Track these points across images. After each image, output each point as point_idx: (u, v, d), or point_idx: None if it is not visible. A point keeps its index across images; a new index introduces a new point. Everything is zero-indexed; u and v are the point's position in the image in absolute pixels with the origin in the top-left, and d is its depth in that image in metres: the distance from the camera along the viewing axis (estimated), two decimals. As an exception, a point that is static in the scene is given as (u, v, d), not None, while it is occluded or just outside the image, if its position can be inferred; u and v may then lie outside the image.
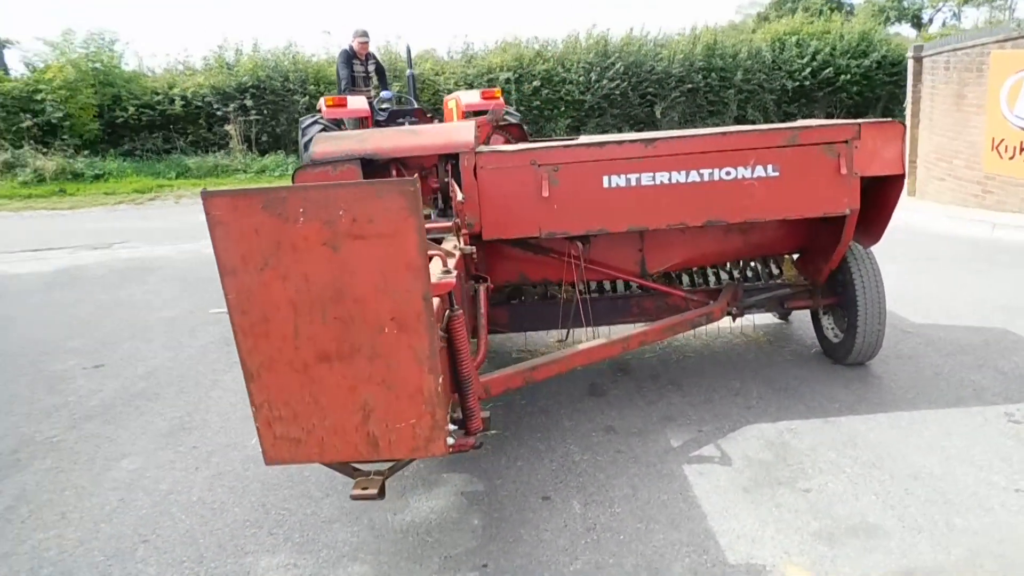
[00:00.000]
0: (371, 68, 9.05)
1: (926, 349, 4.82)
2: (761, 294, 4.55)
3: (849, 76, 19.09)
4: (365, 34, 8.79)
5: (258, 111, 18.36)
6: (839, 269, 4.37)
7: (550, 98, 18.87)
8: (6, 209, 15.16)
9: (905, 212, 10.09)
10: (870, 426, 3.84)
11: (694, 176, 3.77)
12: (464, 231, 3.46)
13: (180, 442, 4.26)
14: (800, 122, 4.70)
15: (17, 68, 19.49)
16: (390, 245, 2.14)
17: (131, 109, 18.01)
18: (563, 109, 18.93)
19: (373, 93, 9.30)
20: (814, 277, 4.48)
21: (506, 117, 8.14)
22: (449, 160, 3.83)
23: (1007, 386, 4.22)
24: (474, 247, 3.52)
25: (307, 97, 18.35)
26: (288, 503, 3.52)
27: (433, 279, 2.63)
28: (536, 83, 18.67)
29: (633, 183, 3.77)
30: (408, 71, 9.81)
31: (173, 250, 10.14)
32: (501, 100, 8.46)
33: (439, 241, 3.52)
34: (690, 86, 18.77)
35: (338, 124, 8.08)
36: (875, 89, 19.44)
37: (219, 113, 18.27)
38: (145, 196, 15.80)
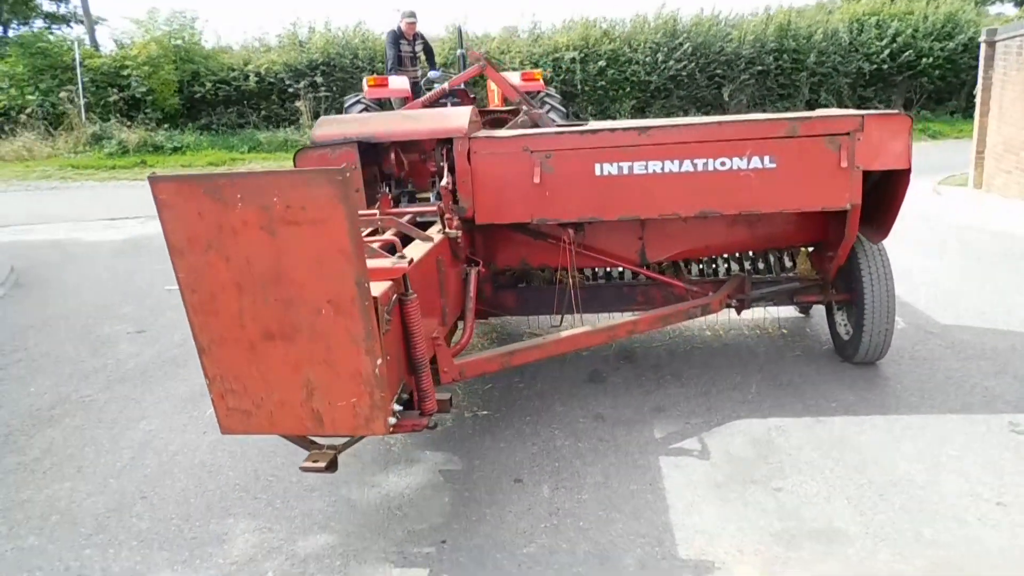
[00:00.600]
0: (418, 48, 9.13)
1: (945, 352, 4.61)
2: (770, 287, 4.44)
3: (931, 59, 18.09)
4: (412, 15, 8.86)
5: (328, 88, 18.75)
6: (848, 265, 4.22)
7: (615, 79, 18.59)
8: (93, 179, 16.04)
9: (966, 205, 9.58)
10: (863, 428, 3.72)
11: (688, 166, 3.70)
12: (449, 215, 3.50)
13: (196, 407, 4.49)
14: (836, 111, 4.52)
15: (106, 45, 20.49)
16: (322, 231, 2.21)
17: (208, 84, 18.71)
18: (628, 90, 18.63)
19: (420, 73, 9.38)
20: (824, 271, 4.33)
21: (546, 100, 8.11)
22: (446, 144, 3.87)
23: (1021, 395, 4.01)
24: (459, 231, 3.57)
25: (375, 74, 18.66)
26: (279, 470, 3.67)
27: (387, 264, 2.70)
28: (602, 63, 18.42)
29: (625, 171, 3.73)
30: (458, 51, 9.82)
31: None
32: (541, 82, 8.41)
33: (425, 226, 3.58)
34: (760, 68, 18.17)
35: (380, 103, 8.21)
36: (959, 74, 18.37)
37: (291, 89, 18.77)
38: (218, 169, 16.43)
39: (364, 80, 8.58)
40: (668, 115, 18.53)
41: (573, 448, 3.72)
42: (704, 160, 3.69)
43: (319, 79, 18.69)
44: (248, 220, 2.23)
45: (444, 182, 3.56)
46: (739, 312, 4.50)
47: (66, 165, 16.78)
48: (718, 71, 18.30)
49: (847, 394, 4.10)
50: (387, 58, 9.06)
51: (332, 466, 2.74)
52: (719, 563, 2.81)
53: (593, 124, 4.28)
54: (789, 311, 5.46)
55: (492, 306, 4.58)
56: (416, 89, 9.00)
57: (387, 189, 3.72)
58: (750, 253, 4.69)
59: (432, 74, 9.24)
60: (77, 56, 18.13)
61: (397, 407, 2.60)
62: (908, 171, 3.69)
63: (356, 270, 2.27)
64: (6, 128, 18.20)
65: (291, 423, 2.53)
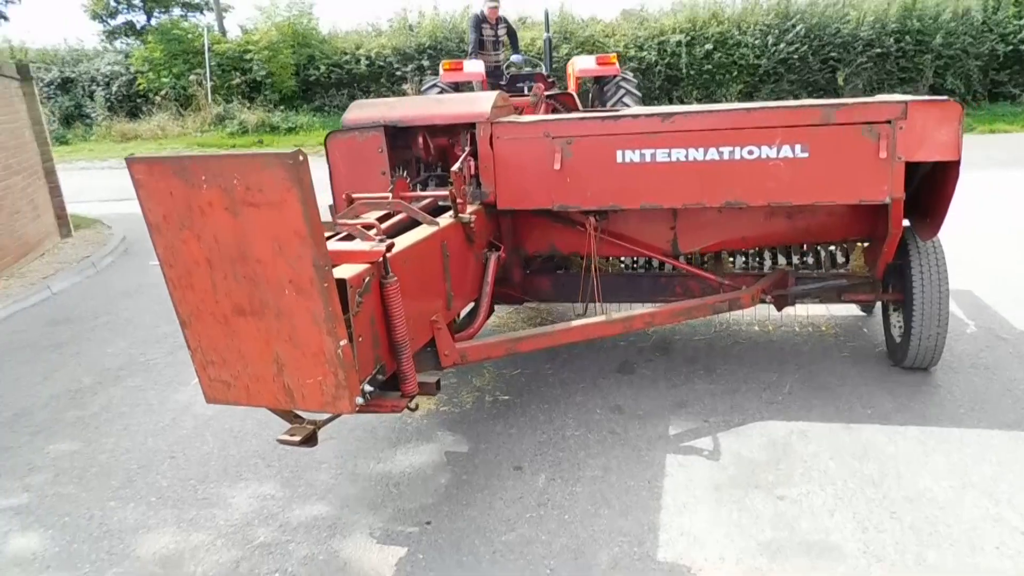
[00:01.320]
0: (501, 32, 9.07)
1: (1012, 360, 4.16)
2: (815, 283, 4.16)
3: (1080, 39, 16.25)
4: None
5: (434, 71, 19.02)
6: (899, 263, 3.89)
7: (723, 62, 17.85)
8: (214, 156, 17.08)
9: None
10: (892, 439, 3.43)
11: (713, 154, 3.50)
12: (460, 200, 3.47)
13: (244, 375, 4.70)
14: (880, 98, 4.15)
15: (234, 31, 21.65)
16: (279, 214, 2.24)
17: (322, 68, 19.42)
18: (736, 74, 17.85)
19: (503, 57, 9.34)
20: (873, 268, 4.01)
21: (621, 84, 7.91)
22: (471, 129, 3.84)
23: (1091, 413, 3.57)
24: (472, 216, 3.54)
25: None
26: (213, 459, 3.74)
27: (366, 247, 2.71)
28: (708, 46, 17.73)
29: (648, 159, 3.58)
30: (545, 35, 9.73)
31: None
32: (616, 66, 8.18)
33: (436, 212, 3.57)
34: (879, 50, 16.92)
35: (457, 87, 8.24)
36: (1115, 54, 16.40)
37: (399, 72, 19.19)
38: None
39: (441, 64, 8.66)
40: (777, 100, 17.66)
41: (581, 439, 3.63)
42: (731, 148, 3.48)
43: (426, 62, 19.00)
44: (213, 200, 2.29)
45: (456, 167, 3.53)
46: (779, 309, 4.24)
47: (193, 143, 17.92)
48: (832, 54, 17.19)
49: (886, 401, 3.79)
50: (469, 42, 9.08)
51: (309, 441, 2.80)
52: (696, 568, 2.68)
53: (620, 110, 4.11)
54: (851, 310, 5.10)
55: (526, 292, 4.53)
56: (497, 72, 8.99)
57: (403, 172, 3.72)
58: (803, 246, 4.40)
59: (514, 58, 9.20)
60: (206, 42, 19.27)
61: (368, 387, 2.62)
62: (958, 163, 3.34)
63: (313, 252, 2.28)
64: (144, 109, 19.64)
65: (266, 396, 2.60)
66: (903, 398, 3.81)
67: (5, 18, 11.29)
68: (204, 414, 4.18)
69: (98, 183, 14.45)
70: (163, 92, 19.23)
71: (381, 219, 3.43)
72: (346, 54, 19.64)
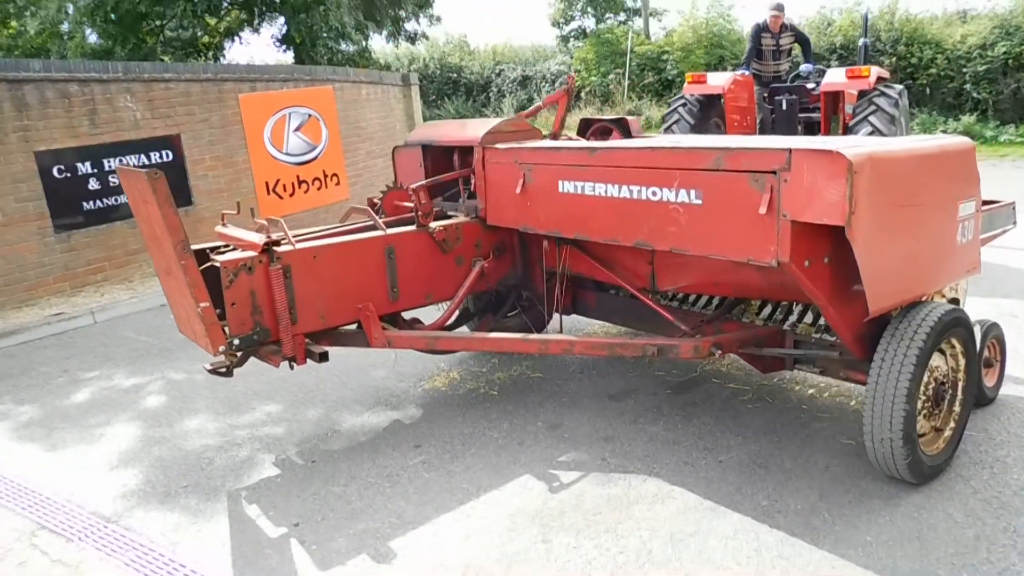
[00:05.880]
0: (784, 41, 8.25)
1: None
2: (810, 349, 3.54)
3: None
4: (779, 7, 8.03)
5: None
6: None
7: None
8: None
9: None
10: (737, 537, 2.90)
11: (625, 192, 3.34)
12: (422, 212, 3.97)
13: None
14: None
15: (658, 35, 22.82)
16: (151, 209, 3.23)
17: (728, 68, 19.35)
18: None
19: (788, 67, 8.54)
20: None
21: (875, 100, 6.77)
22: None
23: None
24: (435, 227, 4.03)
25: (895, 58, 16.71)
26: (321, 380, 4.77)
27: (253, 239, 3.54)
28: None
29: (579, 191, 3.56)
30: (861, 40, 8.56)
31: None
32: (869, 80, 6.85)
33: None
34: None
35: (702, 99, 7.87)
36: None
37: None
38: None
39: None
40: None
41: (491, 442, 3.85)
42: (639, 187, 3.27)
43: (835, 63, 17.56)
44: (138, 197, 3.39)
45: (416, 185, 4.00)
46: (762, 371, 3.69)
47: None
48: None
49: (806, 500, 3.10)
50: (746, 51, 8.57)
51: (225, 373, 3.75)
52: (399, 560, 2.92)
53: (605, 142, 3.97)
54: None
55: (576, 307, 4.65)
56: (776, 82, 8.37)
57: (400, 184, 4.28)
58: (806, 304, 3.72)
59: (803, 68, 8.46)
60: (629, 44, 20.87)
61: (237, 341, 3.47)
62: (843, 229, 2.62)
63: (171, 238, 3.22)
64: (574, 104, 22.23)
65: (191, 334, 3.66)
66: (830, 502, 3.08)
67: (426, 37, 14.29)
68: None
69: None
70: (588, 88, 21.50)
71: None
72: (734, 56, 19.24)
